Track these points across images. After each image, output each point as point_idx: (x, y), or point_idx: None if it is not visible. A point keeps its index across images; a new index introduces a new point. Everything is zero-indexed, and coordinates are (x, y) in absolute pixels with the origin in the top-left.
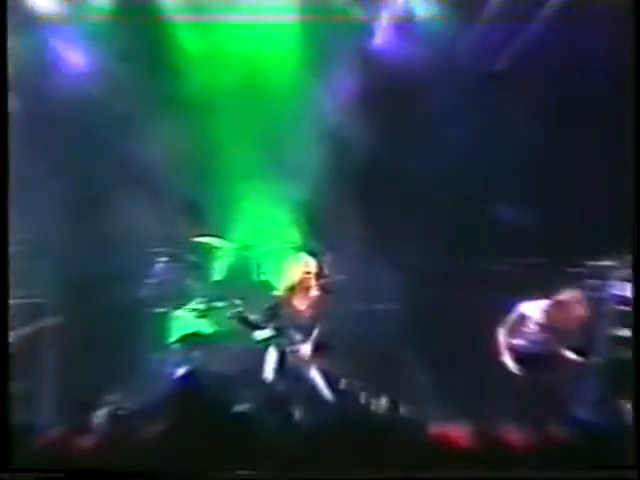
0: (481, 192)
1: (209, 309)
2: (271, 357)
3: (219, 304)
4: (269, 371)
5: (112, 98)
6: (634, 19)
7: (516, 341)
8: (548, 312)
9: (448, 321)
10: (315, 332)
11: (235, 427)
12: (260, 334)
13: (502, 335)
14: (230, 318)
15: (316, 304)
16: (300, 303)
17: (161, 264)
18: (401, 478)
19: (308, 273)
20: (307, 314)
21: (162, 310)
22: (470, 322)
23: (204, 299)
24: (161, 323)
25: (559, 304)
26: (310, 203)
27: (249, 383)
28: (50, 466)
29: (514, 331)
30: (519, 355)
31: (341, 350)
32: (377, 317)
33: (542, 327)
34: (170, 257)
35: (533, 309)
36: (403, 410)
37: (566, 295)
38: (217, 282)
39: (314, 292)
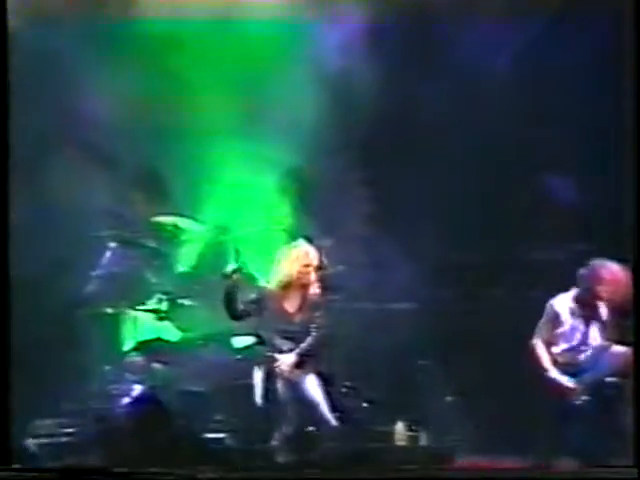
0: (519, 161)
1: (173, 309)
2: (258, 376)
3: (186, 302)
4: (258, 394)
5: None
6: (634, 19)
7: (557, 349)
8: (583, 299)
9: (477, 326)
10: (306, 341)
11: (208, 461)
12: (239, 341)
13: (540, 347)
14: (224, 276)
15: (311, 306)
16: (291, 305)
17: (111, 251)
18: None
19: (307, 266)
20: (298, 318)
21: (112, 311)
22: (505, 326)
23: (167, 296)
24: (111, 327)
25: (596, 280)
26: (304, 172)
27: (226, 405)
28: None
29: (551, 337)
30: (567, 365)
31: (343, 363)
32: (388, 320)
33: (581, 319)
34: (123, 242)
35: (565, 303)
36: (424, 439)
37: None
38: (183, 275)
39: (312, 290)
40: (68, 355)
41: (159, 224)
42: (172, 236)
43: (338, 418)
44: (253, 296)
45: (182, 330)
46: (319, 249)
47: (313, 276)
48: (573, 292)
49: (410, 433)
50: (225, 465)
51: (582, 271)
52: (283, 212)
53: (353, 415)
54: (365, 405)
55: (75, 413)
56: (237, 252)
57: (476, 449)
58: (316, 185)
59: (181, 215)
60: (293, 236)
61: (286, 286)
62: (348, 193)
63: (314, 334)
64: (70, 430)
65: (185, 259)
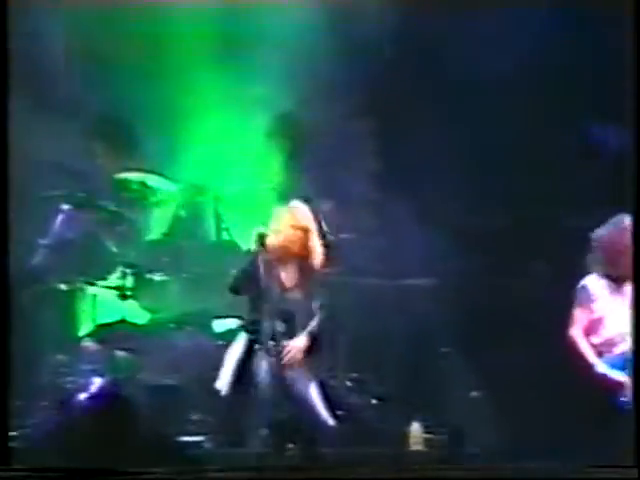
0: (557, 109)
1: (140, 285)
2: (233, 355)
3: (155, 277)
4: (224, 378)
5: None
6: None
7: (598, 338)
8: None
9: (509, 306)
10: (312, 324)
11: (181, 469)
12: (221, 323)
13: (580, 338)
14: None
15: (313, 280)
16: (288, 278)
17: (63, 215)
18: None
19: (304, 232)
20: (297, 295)
21: (65, 287)
22: (543, 306)
23: (132, 270)
24: (64, 307)
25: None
26: (298, 119)
27: (204, 402)
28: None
29: (590, 325)
30: (611, 356)
31: (348, 350)
32: (402, 299)
33: (618, 298)
34: (78, 204)
35: (598, 282)
36: (444, 443)
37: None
38: (152, 243)
39: (312, 261)
40: (11, 342)
41: (123, 182)
42: (139, 197)
43: (340, 417)
44: (243, 267)
45: (150, 311)
46: (317, 214)
47: (313, 244)
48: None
49: (428, 436)
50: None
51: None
52: (273, 168)
53: (359, 414)
54: (374, 402)
55: (20, 412)
56: (218, 216)
57: (505, 455)
58: (313, 135)
59: (150, 171)
60: (285, 197)
61: (281, 256)
62: (352, 145)
63: (319, 315)
64: (14, 433)
65: (154, 224)
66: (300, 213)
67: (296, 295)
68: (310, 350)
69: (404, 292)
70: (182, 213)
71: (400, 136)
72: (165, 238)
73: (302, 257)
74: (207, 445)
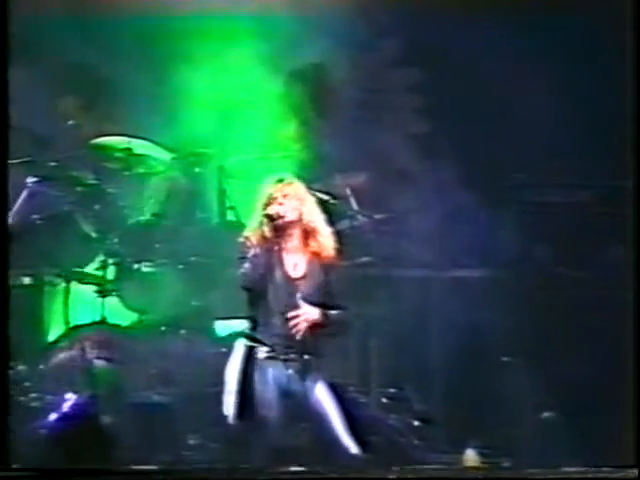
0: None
1: (124, 278)
2: (234, 369)
3: (143, 268)
4: (228, 399)
5: None
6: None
7: None
8: None
9: (587, 302)
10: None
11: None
12: (224, 326)
13: None
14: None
15: (324, 269)
16: (295, 267)
17: (29, 190)
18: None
19: (308, 215)
20: (306, 286)
21: (31, 281)
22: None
23: (114, 259)
24: (30, 306)
25: None
26: (321, 72)
27: (203, 424)
28: None
29: None
30: None
31: (383, 360)
32: (451, 295)
33: None
34: (47, 176)
35: None
36: (507, 473)
37: None
38: (140, 225)
39: (324, 244)
40: None
41: (102, 149)
42: (122, 167)
43: (371, 444)
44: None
45: (137, 310)
46: (343, 187)
47: (319, 227)
48: None
49: (486, 466)
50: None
51: None
52: (288, 132)
53: (397, 439)
54: (416, 424)
55: None
56: (222, 192)
57: None
58: (338, 92)
59: (137, 136)
60: (303, 167)
61: (284, 242)
62: (387, 103)
63: (334, 311)
64: None
65: (143, 202)
66: (298, 191)
67: (303, 287)
68: (319, 329)
69: (453, 286)
70: (178, 188)
71: (448, 90)
72: (156, 220)
73: (309, 244)
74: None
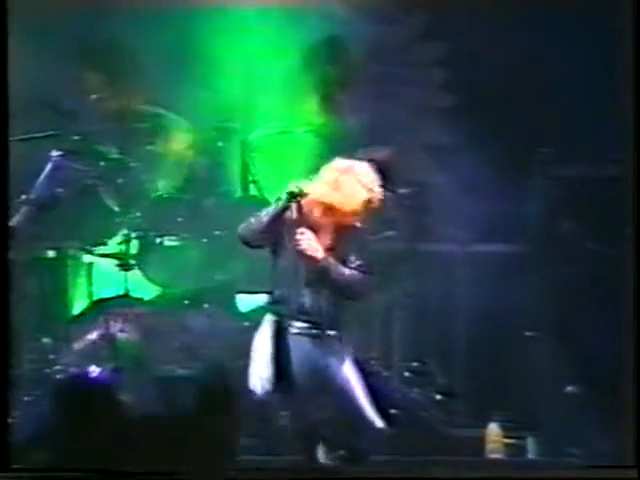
0: None
1: (146, 252)
2: (262, 344)
3: (166, 242)
4: (255, 374)
5: None
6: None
7: None
8: None
9: (618, 278)
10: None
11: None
12: (247, 300)
13: None
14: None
15: (349, 242)
16: (322, 240)
17: (52, 164)
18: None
19: (347, 189)
20: (332, 260)
21: (54, 254)
22: None
23: (137, 233)
24: (52, 279)
25: None
26: (345, 42)
27: (229, 396)
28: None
29: None
30: None
31: (408, 334)
32: (477, 270)
33: None
34: (70, 150)
35: None
36: (531, 449)
37: None
38: (162, 200)
39: (351, 221)
40: None
41: (127, 123)
42: (146, 141)
43: (393, 417)
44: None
45: (160, 284)
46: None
47: (356, 201)
48: None
49: (509, 441)
50: None
51: None
52: (311, 107)
53: (419, 413)
54: (439, 398)
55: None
56: (245, 166)
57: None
58: (362, 67)
59: (160, 110)
60: (327, 142)
61: (314, 215)
62: (411, 80)
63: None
64: None
65: (166, 176)
66: (342, 166)
67: (330, 260)
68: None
69: (478, 261)
70: (200, 162)
71: (473, 64)
72: (179, 194)
73: (339, 217)
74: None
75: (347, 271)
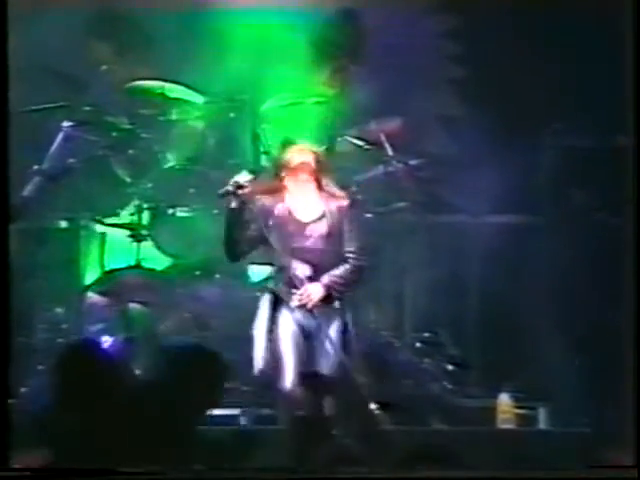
0: None
1: (158, 223)
2: (262, 317)
3: (178, 213)
4: (257, 345)
5: None
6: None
7: None
8: None
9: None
10: (340, 268)
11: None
12: (258, 271)
13: None
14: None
15: (342, 210)
16: (307, 213)
17: (63, 134)
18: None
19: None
20: (320, 227)
21: (66, 225)
22: None
23: (148, 204)
24: (64, 250)
25: None
26: (356, 13)
27: (237, 367)
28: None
29: None
30: None
31: (419, 304)
32: (488, 241)
33: None
34: (81, 121)
35: None
36: (542, 420)
37: None
38: (174, 171)
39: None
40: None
41: (137, 94)
42: (157, 112)
43: (404, 389)
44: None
45: (171, 255)
46: (378, 133)
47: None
48: None
49: (520, 411)
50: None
51: None
52: (322, 78)
53: (431, 383)
54: (450, 368)
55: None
56: (256, 137)
57: (618, 434)
58: (373, 38)
59: (171, 81)
60: (340, 113)
61: (296, 186)
62: (422, 52)
63: (351, 262)
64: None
65: (177, 147)
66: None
67: (318, 230)
68: (329, 300)
69: (490, 232)
70: (212, 133)
71: (484, 35)
72: (190, 165)
73: (322, 189)
74: (242, 421)
75: (342, 271)
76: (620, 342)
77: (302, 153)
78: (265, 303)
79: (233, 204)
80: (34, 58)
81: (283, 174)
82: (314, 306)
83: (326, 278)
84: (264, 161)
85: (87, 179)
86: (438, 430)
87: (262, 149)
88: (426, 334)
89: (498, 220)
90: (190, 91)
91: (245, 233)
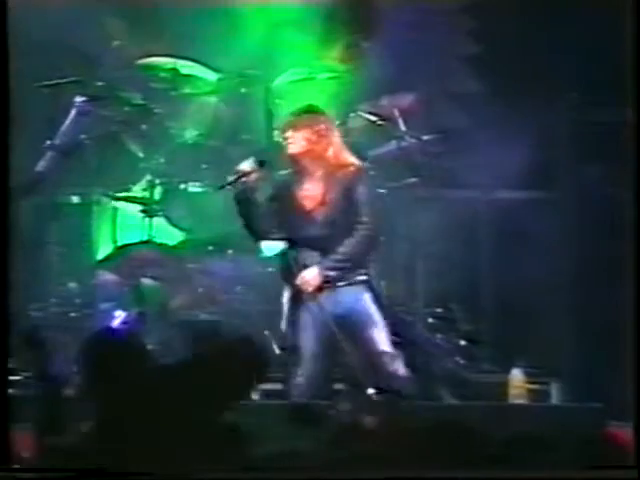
0: None
1: (170, 198)
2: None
3: (190, 188)
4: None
5: None
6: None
7: None
8: None
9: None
10: (341, 249)
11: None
12: (271, 246)
13: None
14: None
15: (347, 196)
16: (310, 197)
17: (76, 110)
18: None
19: (326, 141)
20: (327, 214)
21: (78, 200)
22: None
23: (160, 179)
24: (76, 225)
25: None
26: None
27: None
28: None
29: None
30: None
31: (432, 280)
32: (500, 216)
33: None
34: (93, 96)
35: None
36: (555, 395)
37: None
38: (186, 146)
39: (343, 173)
40: (10, 268)
41: (150, 69)
42: (169, 88)
43: (418, 364)
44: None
45: (184, 230)
46: (391, 109)
47: (339, 154)
48: None
49: (532, 386)
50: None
51: None
52: (335, 53)
53: (443, 359)
54: (463, 344)
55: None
56: (269, 113)
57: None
58: (387, 13)
59: (183, 57)
60: (352, 89)
61: (301, 170)
62: (436, 27)
63: (357, 236)
64: (16, 378)
65: (189, 123)
66: (318, 119)
67: (324, 215)
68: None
69: (503, 207)
70: (224, 109)
71: (501, 11)
72: (202, 140)
73: (329, 169)
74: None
75: (350, 244)
76: (632, 317)
77: (300, 130)
78: (285, 294)
79: (241, 193)
80: (47, 33)
81: (286, 157)
82: (322, 289)
83: (326, 261)
84: (276, 137)
85: (100, 154)
86: (450, 405)
87: (274, 126)
88: (439, 309)
89: (511, 195)
90: (202, 67)
91: (258, 219)
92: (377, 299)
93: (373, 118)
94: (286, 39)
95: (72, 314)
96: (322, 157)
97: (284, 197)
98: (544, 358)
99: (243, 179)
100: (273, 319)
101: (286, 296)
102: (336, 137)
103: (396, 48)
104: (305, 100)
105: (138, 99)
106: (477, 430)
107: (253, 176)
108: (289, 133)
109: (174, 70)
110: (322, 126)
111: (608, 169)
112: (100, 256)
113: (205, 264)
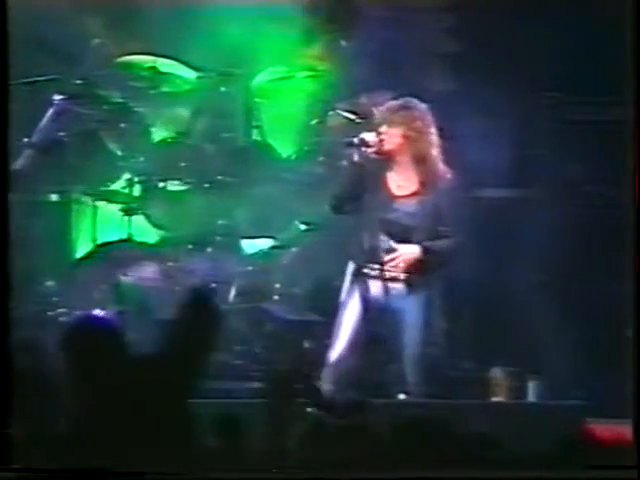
0: None
1: (150, 196)
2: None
3: (169, 186)
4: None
5: None
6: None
7: None
8: None
9: (619, 223)
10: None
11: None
12: (252, 244)
13: None
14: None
15: (431, 187)
16: (400, 184)
17: (55, 107)
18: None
19: (417, 132)
20: (413, 205)
21: (57, 198)
22: None
23: (140, 177)
24: (55, 223)
25: None
26: None
27: (233, 341)
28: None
29: None
30: None
31: None
32: (482, 214)
33: None
34: (73, 94)
35: None
36: (533, 391)
37: None
38: (166, 144)
39: (429, 165)
40: None
41: (129, 68)
42: (149, 86)
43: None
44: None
45: (163, 228)
46: (369, 107)
47: (428, 146)
48: None
49: (513, 384)
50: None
51: None
52: (314, 52)
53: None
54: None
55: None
56: (248, 111)
57: (612, 408)
58: (366, 11)
59: (163, 55)
60: (331, 87)
61: (389, 160)
62: (415, 25)
63: (447, 239)
64: None
65: (168, 121)
66: (413, 109)
67: (410, 205)
68: (421, 268)
69: (484, 206)
70: (203, 107)
71: (481, 9)
72: (182, 138)
73: (416, 160)
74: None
75: (440, 244)
76: (615, 316)
77: (395, 127)
78: (348, 273)
79: (355, 157)
80: (26, 31)
81: (380, 153)
82: (402, 272)
83: (427, 242)
84: (256, 136)
85: (78, 152)
86: (430, 402)
87: (254, 123)
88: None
89: (492, 194)
90: (181, 65)
91: (353, 189)
92: (430, 308)
93: (352, 116)
94: (265, 38)
95: (50, 313)
96: (418, 156)
97: (377, 178)
98: (524, 356)
99: (363, 148)
100: (252, 316)
101: (350, 270)
102: (433, 134)
103: (375, 46)
104: (285, 98)
105: (117, 97)
106: (457, 428)
107: (370, 149)
108: (384, 128)
109: (153, 68)
110: (419, 123)
111: (592, 167)
112: (79, 254)
113: (184, 262)
